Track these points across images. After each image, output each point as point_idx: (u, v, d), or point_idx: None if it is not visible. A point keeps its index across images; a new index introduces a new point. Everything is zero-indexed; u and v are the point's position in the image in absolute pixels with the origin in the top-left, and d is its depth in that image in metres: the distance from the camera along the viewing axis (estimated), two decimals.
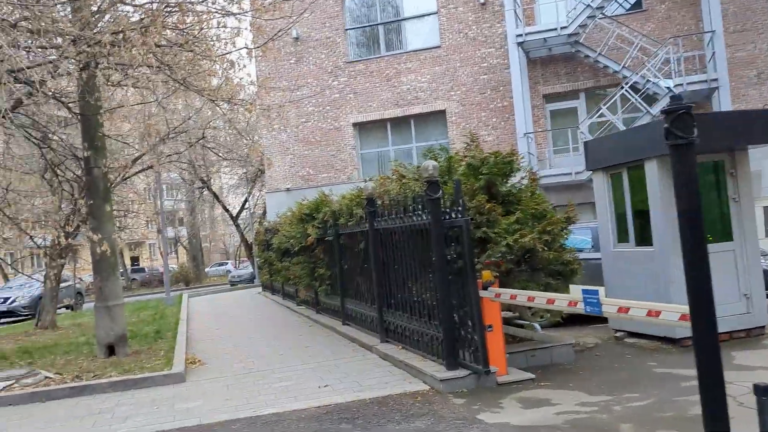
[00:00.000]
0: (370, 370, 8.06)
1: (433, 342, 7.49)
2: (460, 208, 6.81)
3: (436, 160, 8.21)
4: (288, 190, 23.52)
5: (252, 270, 35.77)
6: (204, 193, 41.14)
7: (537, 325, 9.19)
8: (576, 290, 5.48)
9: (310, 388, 7.43)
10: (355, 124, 23.26)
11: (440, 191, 7.06)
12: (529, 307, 9.63)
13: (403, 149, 22.70)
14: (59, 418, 7.11)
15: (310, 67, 23.42)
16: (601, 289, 5.11)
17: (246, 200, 39.76)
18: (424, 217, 7.34)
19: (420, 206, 7.50)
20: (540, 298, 5.90)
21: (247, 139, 12.98)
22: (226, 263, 61.56)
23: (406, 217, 7.95)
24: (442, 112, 22.45)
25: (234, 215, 40.25)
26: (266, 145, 24.13)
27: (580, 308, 5.34)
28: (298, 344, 10.66)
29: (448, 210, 7.03)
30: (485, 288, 6.81)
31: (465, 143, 8.54)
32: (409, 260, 8.08)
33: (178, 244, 56.49)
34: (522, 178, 8.26)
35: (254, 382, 8.01)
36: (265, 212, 35.78)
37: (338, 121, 23.33)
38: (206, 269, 52.77)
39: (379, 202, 9.22)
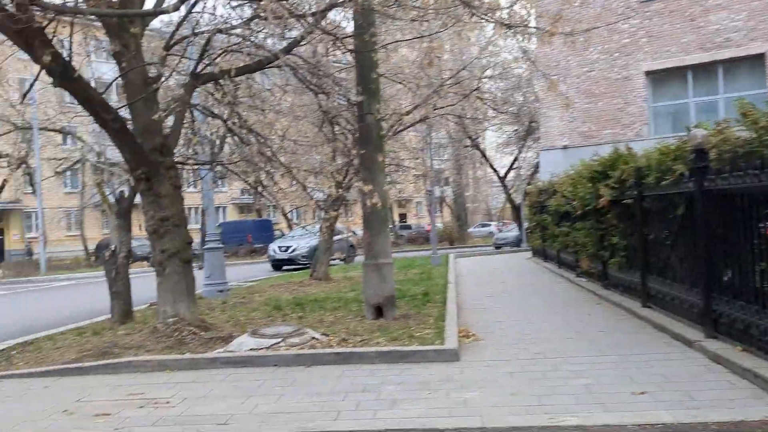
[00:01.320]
0: (698, 376, 6.06)
1: None
2: None
3: None
4: (565, 147, 21.46)
5: (518, 233, 34.26)
6: (471, 151, 40.30)
7: None
8: None
9: (620, 393, 5.68)
10: (647, 73, 20.30)
11: None
12: None
13: (705, 102, 19.26)
14: (321, 391, 6.25)
15: (597, 9, 20.83)
16: None
17: (515, 159, 38.03)
18: None
19: None
20: None
21: (546, 76, 11.34)
22: (489, 224, 61.01)
23: (765, 173, 5.74)
24: (760, 57, 18.58)
25: (501, 175, 38.89)
26: (542, 97, 22.23)
27: None
28: (586, 326, 8.90)
29: None
30: None
31: None
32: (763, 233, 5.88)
33: (444, 203, 56.98)
34: None
35: (543, 373, 6.47)
36: (534, 172, 33.87)
37: (627, 70, 20.56)
38: (469, 229, 52.58)
39: (713, 155, 7.03)
